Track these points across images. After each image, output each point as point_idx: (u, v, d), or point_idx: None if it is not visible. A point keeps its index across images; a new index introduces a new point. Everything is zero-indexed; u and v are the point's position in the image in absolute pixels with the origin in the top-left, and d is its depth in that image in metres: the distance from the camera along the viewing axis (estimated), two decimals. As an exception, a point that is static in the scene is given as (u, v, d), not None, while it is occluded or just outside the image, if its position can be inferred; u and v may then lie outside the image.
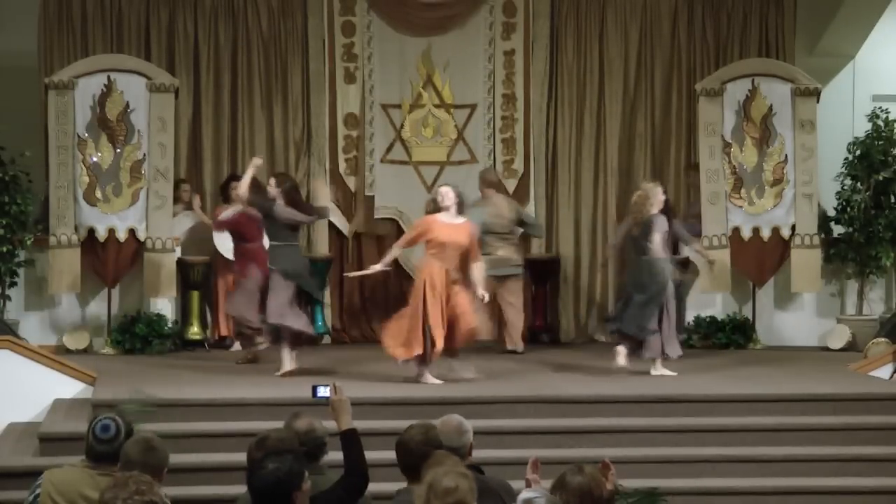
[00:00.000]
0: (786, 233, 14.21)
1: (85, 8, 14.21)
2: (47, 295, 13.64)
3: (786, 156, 14.22)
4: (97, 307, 13.71)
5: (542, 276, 14.45)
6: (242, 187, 11.93)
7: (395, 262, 12.54)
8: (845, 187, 14.50)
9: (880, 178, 14.30)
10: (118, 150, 13.56)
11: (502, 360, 12.42)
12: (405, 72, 14.73)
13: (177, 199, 14.11)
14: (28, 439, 9.93)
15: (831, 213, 14.59)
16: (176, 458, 6.82)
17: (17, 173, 13.35)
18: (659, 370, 11.60)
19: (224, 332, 13.78)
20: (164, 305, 13.73)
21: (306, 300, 14.38)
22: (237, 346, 13.43)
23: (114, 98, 13.55)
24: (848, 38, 15.13)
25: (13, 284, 13.50)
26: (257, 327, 11.92)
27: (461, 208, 11.41)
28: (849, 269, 14.52)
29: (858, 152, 14.43)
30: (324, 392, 6.03)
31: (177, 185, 14.12)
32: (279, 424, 6.20)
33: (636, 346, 11.66)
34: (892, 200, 14.42)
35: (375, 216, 14.66)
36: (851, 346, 13.90)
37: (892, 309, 14.48)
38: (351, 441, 5.83)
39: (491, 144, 14.83)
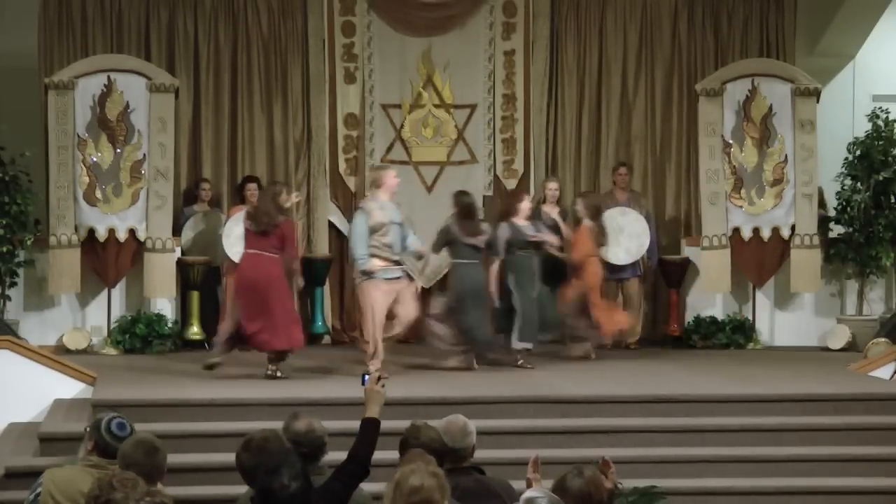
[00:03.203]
0: (786, 233, 14.22)
1: (85, 8, 14.22)
2: (47, 295, 13.65)
3: (786, 156, 14.23)
4: (97, 307, 13.71)
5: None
6: None
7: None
8: (845, 187, 14.51)
9: (880, 178, 14.30)
10: (118, 150, 13.57)
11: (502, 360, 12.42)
12: (405, 72, 14.73)
13: (196, 198, 14.13)
14: (28, 439, 9.91)
15: (831, 213, 14.58)
16: (176, 458, 6.84)
17: (17, 173, 13.37)
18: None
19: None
20: (164, 305, 13.74)
21: (311, 300, 14.47)
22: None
23: (114, 98, 13.57)
24: (848, 38, 15.15)
25: (13, 284, 13.51)
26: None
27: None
28: (849, 269, 14.53)
29: (858, 152, 14.44)
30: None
31: (196, 183, 14.17)
32: (279, 424, 6.20)
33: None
34: (892, 200, 14.42)
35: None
36: (851, 346, 13.90)
37: (892, 309, 14.48)
38: (366, 428, 5.83)
39: (491, 144, 14.83)
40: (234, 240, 13.29)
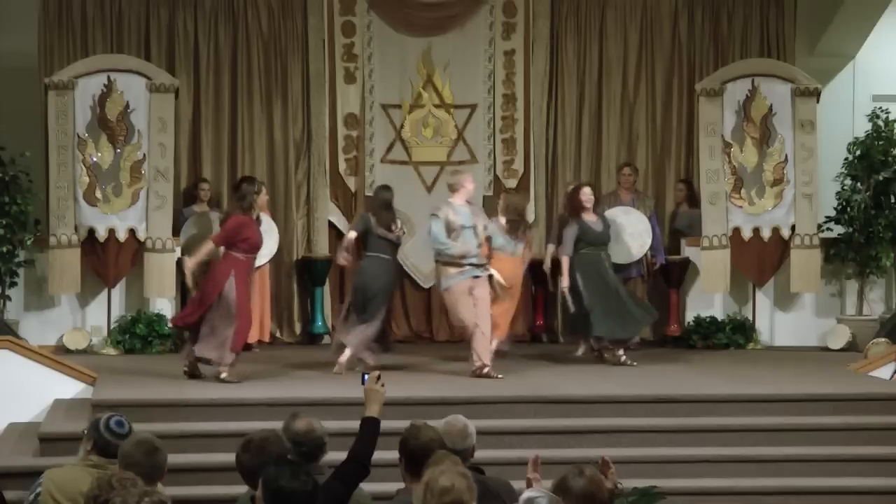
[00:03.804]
0: (786, 233, 14.22)
1: (85, 8, 14.22)
2: (47, 295, 13.65)
3: (786, 156, 14.23)
4: (97, 307, 13.71)
5: (543, 276, 14.43)
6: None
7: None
8: (845, 187, 14.51)
9: (880, 178, 14.31)
10: (118, 150, 13.57)
11: (502, 360, 12.41)
12: (405, 72, 14.73)
13: (195, 198, 14.12)
14: (28, 439, 9.91)
15: (831, 213, 14.58)
16: (176, 458, 6.83)
17: (17, 173, 13.37)
18: None
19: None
20: (164, 305, 13.73)
21: (311, 299, 14.48)
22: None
23: (114, 98, 13.57)
24: (848, 38, 15.13)
25: (13, 284, 13.52)
26: None
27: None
28: (849, 269, 14.54)
29: (858, 152, 14.44)
30: None
31: (195, 183, 14.16)
32: (279, 424, 6.20)
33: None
34: (892, 200, 14.43)
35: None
36: (851, 346, 13.90)
37: (892, 309, 14.48)
38: (367, 428, 5.84)
39: (491, 144, 14.83)
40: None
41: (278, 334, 14.44)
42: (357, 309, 11.68)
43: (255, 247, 11.42)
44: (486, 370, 11.44)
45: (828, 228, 14.55)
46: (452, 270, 11.64)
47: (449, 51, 14.76)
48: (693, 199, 14.65)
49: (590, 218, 12.54)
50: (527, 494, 4.91)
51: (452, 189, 11.93)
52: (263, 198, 11.63)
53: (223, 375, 11.08)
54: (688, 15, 14.95)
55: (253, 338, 13.40)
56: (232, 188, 14.14)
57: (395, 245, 11.90)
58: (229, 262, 11.18)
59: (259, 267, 13.39)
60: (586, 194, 12.61)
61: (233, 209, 11.46)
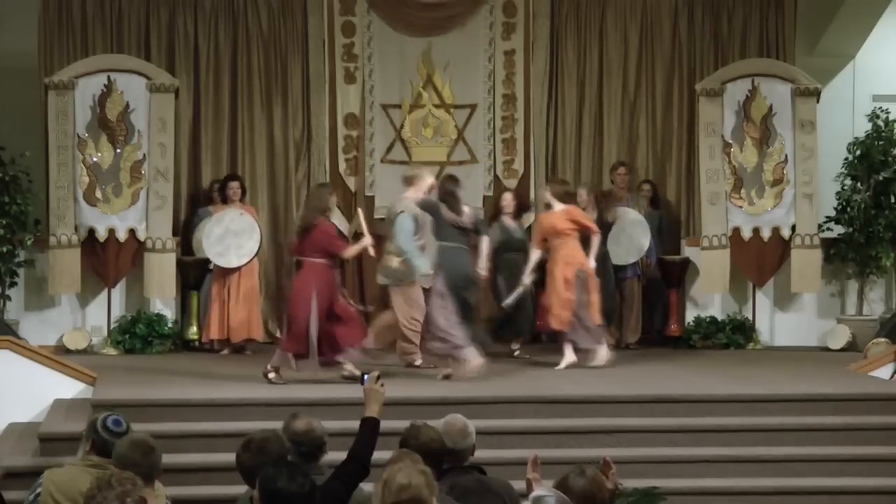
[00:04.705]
0: (786, 233, 14.22)
1: (85, 8, 14.22)
2: (47, 295, 13.65)
3: (786, 156, 14.24)
4: (97, 307, 13.72)
5: (542, 276, 14.43)
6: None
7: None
8: (845, 187, 14.51)
9: (880, 178, 14.31)
10: (118, 150, 13.58)
11: (502, 361, 12.42)
12: (405, 72, 14.73)
13: (212, 199, 14.02)
14: (28, 439, 9.92)
15: (831, 213, 14.58)
16: (176, 458, 6.84)
17: (17, 173, 13.37)
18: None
19: (215, 335, 13.65)
20: (164, 305, 13.73)
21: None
22: (225, 351, 13.51)
23: (114, 98, 13.58)
24: (848, 38, 15.13)
25: (13, 284, 13.52)
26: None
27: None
28: (849, 269, 14.54)
29: (858, 152, 14.44)
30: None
31: (224, 183, 13.77)
32: (279, 424, 6.20)
33: None
34: (892, 200, 14.43)
35: (375, 216, 14.64)
36: (851, 346, 13.91)
37: (892, 309, 14.48)
38: (366, 428, 5.82)
39: (491, 144, 14.83)
40: (213, 240, 13.28)
41: (278, 334, 14.42)
42: (459, 307, 11.37)
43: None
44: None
45: (828, 228, 14.56)
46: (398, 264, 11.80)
47: (449, 51, 14.76)
48: (655, 201, 14.61)
49: (510, 223, 13.02)
50: (536, 493, 4.89)
51: (410, 182, 11.93)
52: (334, 199, 11.59)
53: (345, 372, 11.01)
54: (688, 15, 14.94)
55: (240, 337, 13.39)
56: (218, 189, 14.07)
57: (467, 232, 11.70)
58: (310, 270, 11.05)
59: (242, 266, 13.39)
60: (505, 199, 13.25)
61: (313, 214, 11.19)
